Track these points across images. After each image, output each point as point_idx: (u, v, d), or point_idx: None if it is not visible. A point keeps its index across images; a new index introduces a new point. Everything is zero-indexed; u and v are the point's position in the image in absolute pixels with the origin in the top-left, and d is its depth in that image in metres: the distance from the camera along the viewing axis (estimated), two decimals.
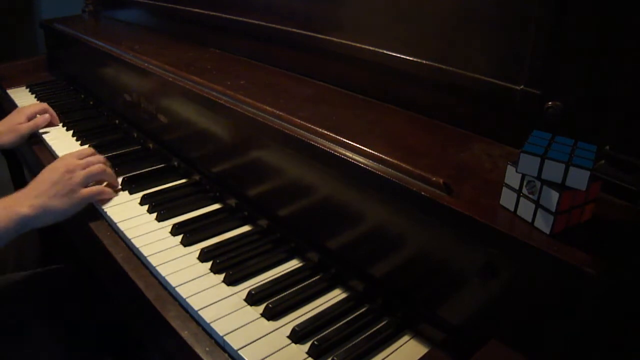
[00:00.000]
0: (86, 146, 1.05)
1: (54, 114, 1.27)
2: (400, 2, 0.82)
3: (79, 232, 0.94)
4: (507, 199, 0.58)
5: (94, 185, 0.93)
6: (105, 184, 0.95)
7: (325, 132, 0.73)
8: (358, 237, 0.72)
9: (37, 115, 1.24)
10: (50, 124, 1.26)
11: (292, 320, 0.68)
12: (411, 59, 0.80)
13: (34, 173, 1.32)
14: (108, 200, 0.92)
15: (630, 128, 0.60)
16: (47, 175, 0.86)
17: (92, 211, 0.92)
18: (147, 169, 1.06)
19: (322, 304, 0.71)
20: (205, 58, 1.16)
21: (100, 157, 0.97)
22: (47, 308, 0.95)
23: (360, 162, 0.67)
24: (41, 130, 1.23)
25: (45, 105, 1.26)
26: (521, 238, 0.53)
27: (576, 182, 0.52)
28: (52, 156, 1.15)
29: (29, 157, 1.28)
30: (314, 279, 0.75)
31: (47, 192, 0.83)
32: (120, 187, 0.97)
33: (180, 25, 1.38)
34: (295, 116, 0.78)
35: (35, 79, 1.66)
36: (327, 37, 0.94)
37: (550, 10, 0.63)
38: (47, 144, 1.19)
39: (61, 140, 1.21)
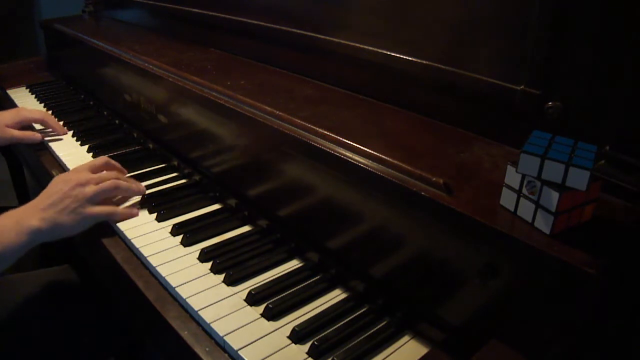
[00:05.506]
0: (104, 157, 0.97)
1: (56, 126, 1.22)
2: (401, 3, 0.82)
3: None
4: (507, 199, 0.58)
5: (111, 201, 0.90)
6: (126, 204, 0.92)
7: (326, 132, 0.73)
8: (358, 237, 0.72)
9: (36, 124, 1.22)
10: (53, 134, 1.23)
11: (292, 321, 0.68)
12: (411, 59, 0.80)
13: (34, 173, 1.32)
14: (122, 219, 0.88)
15: (630, 128, 0.60)
16: (58, 187, 0.83)
17: None
18: (147, 169, 1.06)
19: (322, 304, 0.71)
20: (205, 58, 1.16)
21: (113, 173, 0.93)
22: (47, 308, 0.95)
23: (360, 162, 0.67)
24: (47, 138, 1.21)
25: (43, 116, 1.22)
26: (521, 238, 0.53)
27: (576, 182, 0.52)
28: (52, 156, 1.15)
29: (28, 156, 1.28)
30: (314, 279, 0.75)
31: (56, 206, 0.80)
32: (139, 206, 0.92)
33: (180, 25, 1.38)
34: (295, 116, 0.78)
35: (35, 79, 1.66)
36: (328, 37, 0.94)
37: (550, 11, 0.63)
38: (47, 143, 1.19)
39: (61, 140, 1.21)
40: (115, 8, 1.71)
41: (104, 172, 0.93)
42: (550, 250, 0.51)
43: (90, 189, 0.84)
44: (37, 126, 1.24)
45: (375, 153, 0.67)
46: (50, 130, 1.23)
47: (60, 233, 0.81)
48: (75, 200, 0.82)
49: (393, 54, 0.83)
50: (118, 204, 0.92)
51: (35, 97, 1.50)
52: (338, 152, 0.70)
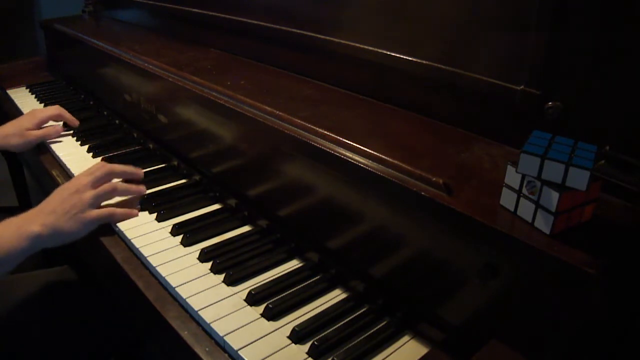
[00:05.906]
0: (99, 159, 0.97)
1: (70, 117, 1.23)
2: (401, 3, 0.82)
3: None
4: (507, 199, 0.58)
5: (110, 204, 0.90)
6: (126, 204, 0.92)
7: (326, 132, 0.73)
8: (358, 237, 0.72)
9: (51, 122, 1.22)
10: (67, 128, 1.24)
11: (292, 321, 0.68)
12: (411, 59, 0.80)
13: (34, 173, 1.32)
14: (122, 220, 0.88)
15: (630, 128, 0.60)
16: (58, 195, 0.84)
17: None
18: (147, 169, 1.06)
19: (322, 304, 0.71)
20: (205, 58, 1.16)
21: (112, 172, 0.92)
22: (47, 309, 0.95)
23: (360, 162, 0.67)
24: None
25: (58, 110, 1.22)
26: (521, 238, 0.53)
27: (576, 182, 0.52)
28: (52, 156, 1.15)
29: (28, 156, 1.28)
30: (314, 279, 0.75)
31: (57, 212, 0.81)
32: (139, 206, 0.92)
33: (180, 25, 1.38)
34: (295, 116, 0.78)
35: (35, 79, 1.66)
36: (328, 37, 0.94)
37: (550, 11, 0.63)
38: (47, 144, 1.19)
39: (61, 141, 1.21)
40: (115, 8, 1.71)
41: (103, 175, 0.92)
42: (550, 250, 0.51)
43: (89, 194, 0.85)
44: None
45: (375, 153, 0.67)
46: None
47: (61, 239, 0.81)
48: (75, 206, 0.82)
49: (393, 54, 0.83)
50: (118, 205, 0.92)
51: (35, 97, 1.50)
52: (338, 152, 0.70)
